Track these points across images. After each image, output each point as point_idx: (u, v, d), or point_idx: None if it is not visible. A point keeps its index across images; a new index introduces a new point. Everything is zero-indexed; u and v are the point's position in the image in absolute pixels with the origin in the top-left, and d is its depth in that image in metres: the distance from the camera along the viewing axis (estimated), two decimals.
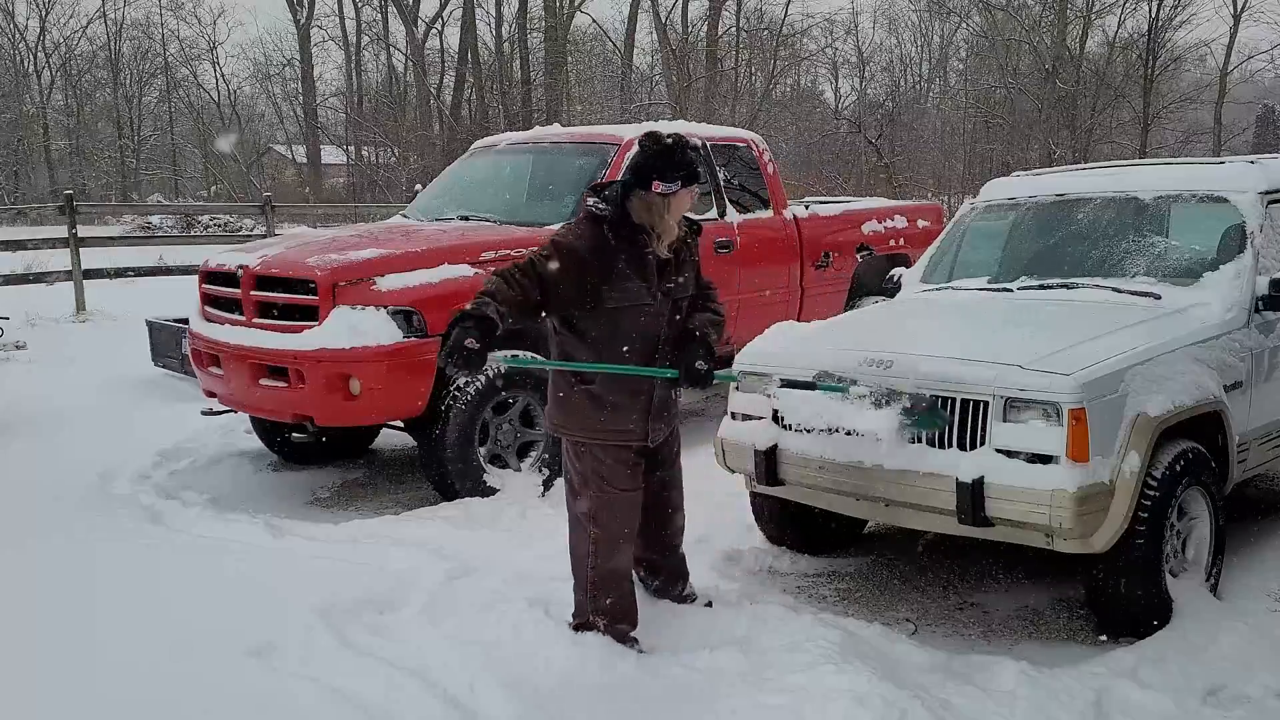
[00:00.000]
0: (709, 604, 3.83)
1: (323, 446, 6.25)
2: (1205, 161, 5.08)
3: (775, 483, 4.06)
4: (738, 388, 4.23)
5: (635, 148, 3.38)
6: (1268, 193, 4.49)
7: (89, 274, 11.48)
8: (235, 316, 5.44)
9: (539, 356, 5.43)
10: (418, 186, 7.32)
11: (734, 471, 4.29)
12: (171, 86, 43.59)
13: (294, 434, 6.09)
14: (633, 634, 3.51)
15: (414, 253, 5.31)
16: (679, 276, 3.44)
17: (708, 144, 6.56)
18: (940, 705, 3.11)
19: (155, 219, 26.64)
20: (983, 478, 3.44)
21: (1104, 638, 3.71)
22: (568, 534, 3.61)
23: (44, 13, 43.40)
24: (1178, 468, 3.64)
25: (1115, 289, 4.33)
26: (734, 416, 4.25)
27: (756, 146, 6.88)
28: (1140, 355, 3.63)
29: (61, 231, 11.60)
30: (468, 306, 3.20)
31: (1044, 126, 28.04)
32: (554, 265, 3.26)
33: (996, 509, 3.45)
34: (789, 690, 3.14)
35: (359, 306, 5.02)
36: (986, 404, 3.51)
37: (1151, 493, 3.54)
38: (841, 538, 4.65)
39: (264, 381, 5.20)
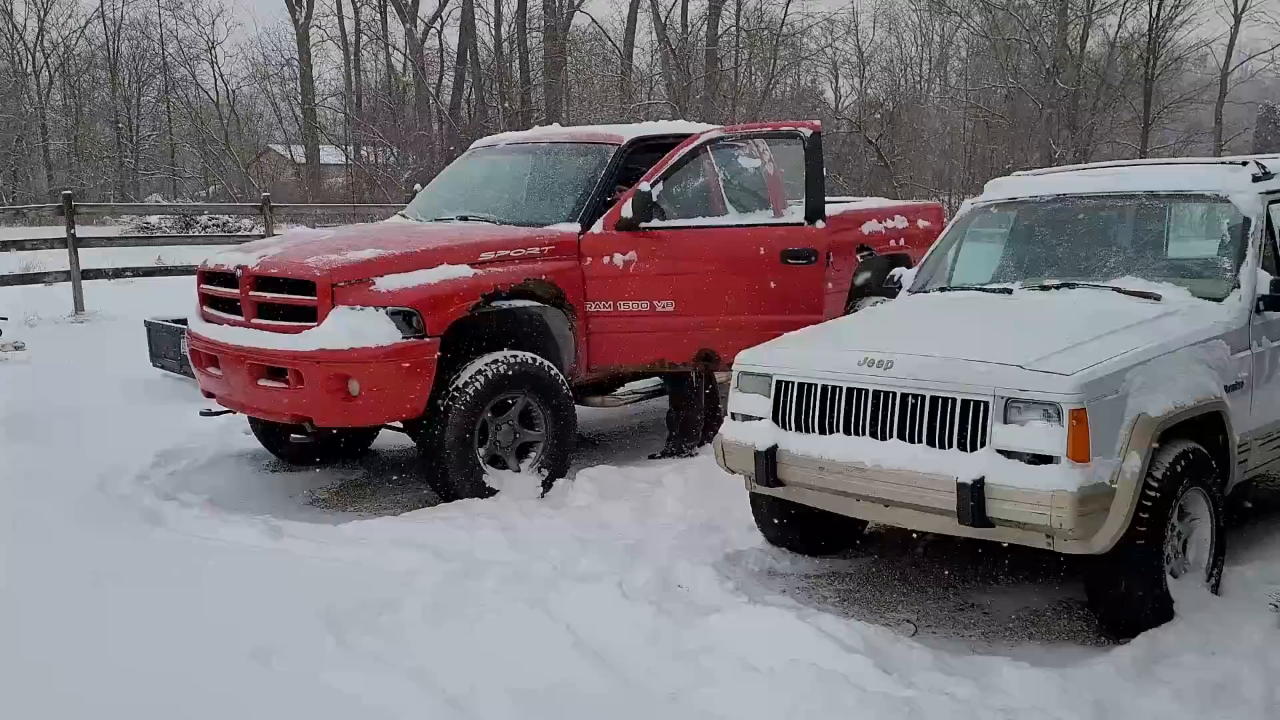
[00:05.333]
0: None
1: (321, 447, 6.24)
2: (1206, 161, 5.08)
3: (775, 484, 4.05)
4: (738, 388, 4.23)
5: None
6: (1268, 192, 4.48)
7: (87, 274, 11.48)
8: (234, 317, 5.43)
9: (538, 357, 5.44)
10: (417, 186, 7.30)
11: (734, 472, 4.29)
12: (170, 86, 43.55)
13: (293, 435, 6.09)
14: None
15: (413, 253, 5.30)
16: None
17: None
18: (941, 706, 3.10)
19: (154, 219, 26.63)
20: (983, 478, 3.43)
21: (1105, 638, 3.71)
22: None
23: (42, 12, 43.43)
24: (1178, 468, 3.63)
25: (1116, 289, 4.32)
26: (734, 417, 4.24)
27: (757, 146, 6.86)
28: (1141, 355, 3.62)
29: (60, 231, 11.60)
30: None
31: (1044, 126, 28.05)
32: None
33: (997, 510, 3.44)
34: (790, 691, 3.13)
35: (358, 307, 5.01)
36: (987, 404, 3.50)
37: (1152, 493, 3.54)
38: (842, 538, 4.65)
39: (263, 382, 5.19)
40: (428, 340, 5.06)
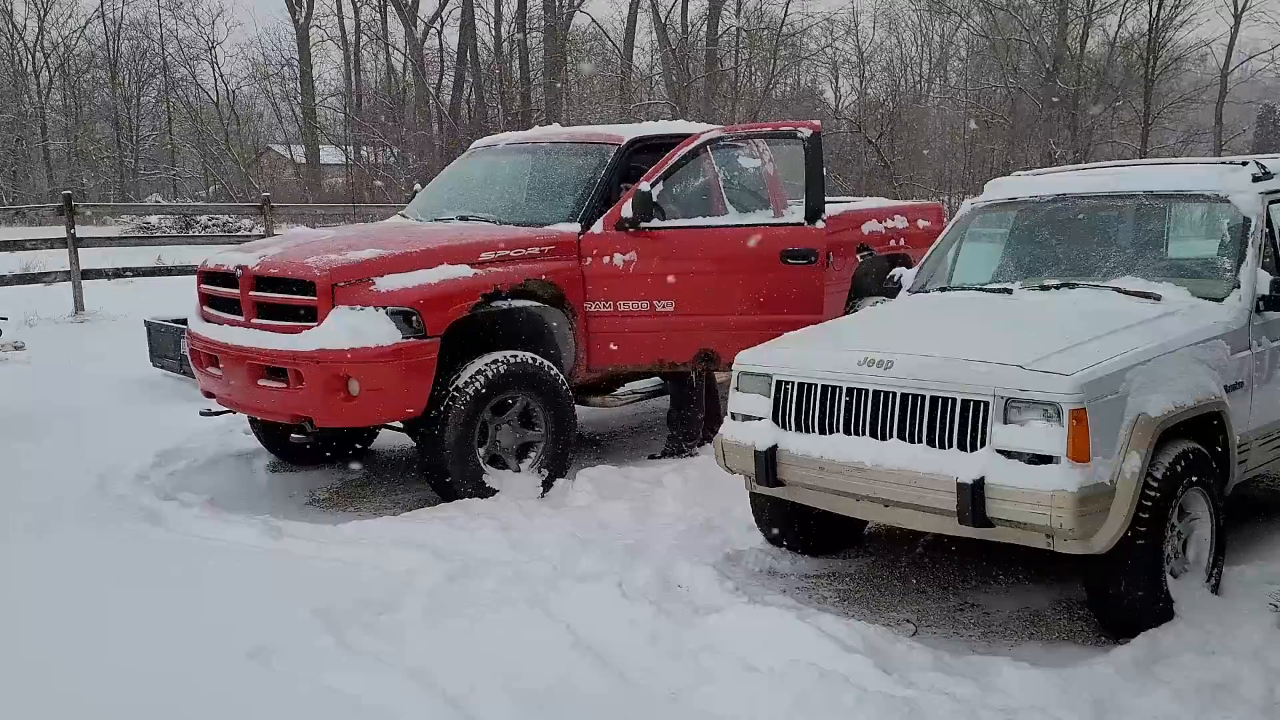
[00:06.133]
0: None
1: (322, 447, 6.23)
2: (1205, 161, 5.08)
3: (775, 483, 4.05)
4: (738, 388, 4.24)
5: None
6: (1268, 192, 4.48)
7: (87, 274, 11.47)
8: (234, 317, 5.43)
9: (537, 357, 5.44)
10: (417, 186, 7.32)
11: (734, 472, 4.29)
12: (170, 86, 43.54)
13: (292, 435, 6.08)
14: None
15: (413, 253, 5.30)
16: None
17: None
18: (941, 706, 3.10)
19: (154, 219, 26.62)
20: (983, 478, 3.43)
21: (1105, 638, 3.71)
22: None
23: (42, 12, 43.41)
24: (1179, 468, 3.63)
25: (1116, 289, 4.32)
26: (734, 417, 4.24)
27: (756, 146, 6.85)
28: (1141, 355, 3.62)
29: (60, 232, 11.60)
30: None
31: (1044, 126, 28.06)
32: None
33: (997, 510, 3.44)
34: (790, 691, 3.13)
35: (358, 307, 5.01)
36: (987, 404, 3.50)
37: (1152, 493, 3.54)
38: (842, 538, 4.65)
39: (263, 382, 5.19)
40: (427, 340, 5.06)
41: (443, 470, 5.19)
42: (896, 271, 5.21)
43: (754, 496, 4.49)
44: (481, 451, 5.31)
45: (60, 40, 44.08)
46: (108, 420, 6.91)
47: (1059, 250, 4.83)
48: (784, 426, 4.03)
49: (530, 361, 5.38)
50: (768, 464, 4.00)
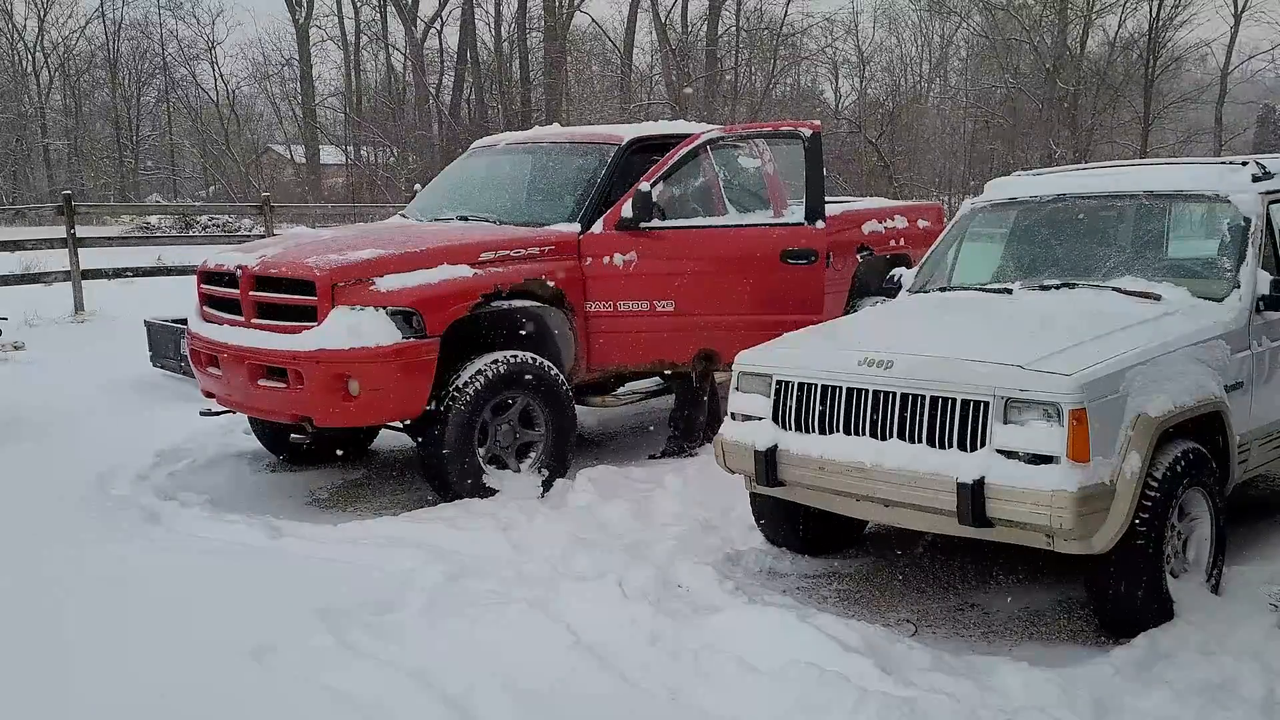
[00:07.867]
0: None
1: (322, 447, 6.23)
2: (1205, 161, 5.08)
3: (775, 484, 4.05)
4: (738, 388, 4.24)
5: None
6: (1268, 192, 4.48)
7: (87, 274, 11.46)
8: (234, 317, 5.43)
9: (538, 357, 5.45)
10: (417, 186, 7.33)
11: (734, 472, 4.29)
12: (170, 86, 43.55)
13: (292, 435, 6.08)
14: None
15: (413, 253, 5.30)
16: None
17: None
18: (941, 706, 3.10)
19: (154, 219, 26.62)
20: (983, 478, 3.43)
21: (1105, 638, 3.71)
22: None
23: (42, 12, 43.43)
24: (1178, 468, 3.63)
25: (1116, 289, 4.32)
26: (734, 417, 4.24)
27: (756, 146, 6.85)
28: (1141, 356, 3.63)
29: (60, 232, 11.59)
30: None
31: (1044, 126, 28.07)
32: None
33: (997, 510, 3.44)
34: (790, 691, 3.13)
35: (358, 307, 5.01)
36: (987, 404, 3.50)
37: (1152, 493, 3.54)
38: (842, 538, 4.65)
39: (263, 382, 5.19)
40: (427, 340, 5.06)
41: (443, 470, 5.19)
42: (896, 271, 5.21)
43: (754, 496, 4.49)
44: (481, 451, 5.31)
45: (60, 40, 44.16)
46: (108, 420, 6.91)
47: (1059, 250, 4.83)
48: (784, 426, 4.03)
49: (530, 361, 5.38)
50: (768, 464, 4.00)
